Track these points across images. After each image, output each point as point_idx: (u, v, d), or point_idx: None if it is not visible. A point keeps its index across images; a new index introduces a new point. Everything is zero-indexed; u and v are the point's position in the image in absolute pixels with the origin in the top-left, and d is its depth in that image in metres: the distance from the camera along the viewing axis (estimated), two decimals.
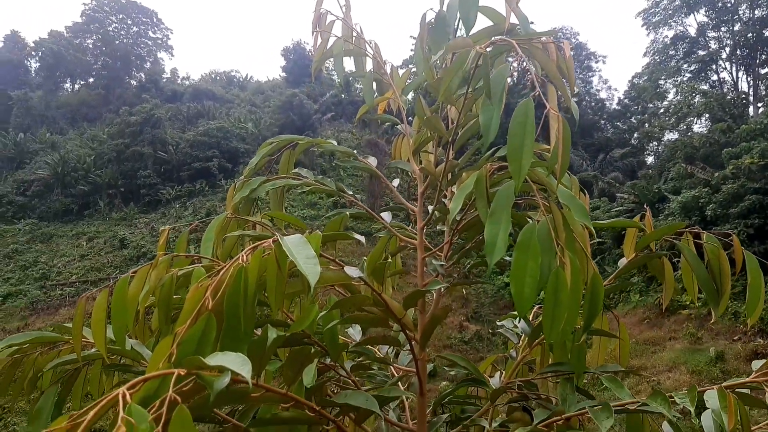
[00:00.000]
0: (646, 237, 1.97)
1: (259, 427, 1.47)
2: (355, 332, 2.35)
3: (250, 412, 1.57)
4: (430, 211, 2.14)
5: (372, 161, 2.31)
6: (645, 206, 2.34)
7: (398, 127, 2.32)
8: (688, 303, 16.83)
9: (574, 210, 1.49)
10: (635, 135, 29.56)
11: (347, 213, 1.81)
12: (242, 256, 1.24)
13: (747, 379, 1.45)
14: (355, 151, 2.30)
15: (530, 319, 2.31)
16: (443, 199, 2.14)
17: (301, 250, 1.21)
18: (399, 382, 2.37)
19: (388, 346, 2.47)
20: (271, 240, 1.27)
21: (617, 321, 2.20)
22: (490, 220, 1.43)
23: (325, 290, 2.06)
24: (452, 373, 2.61)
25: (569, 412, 1.64)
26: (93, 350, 1.83)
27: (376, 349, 2.45)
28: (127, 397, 0.93)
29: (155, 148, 30.80)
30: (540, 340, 2.04)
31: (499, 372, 2.21)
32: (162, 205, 29.96)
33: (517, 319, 2.42)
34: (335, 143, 2.31)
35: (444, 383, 12.88)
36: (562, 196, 1.49)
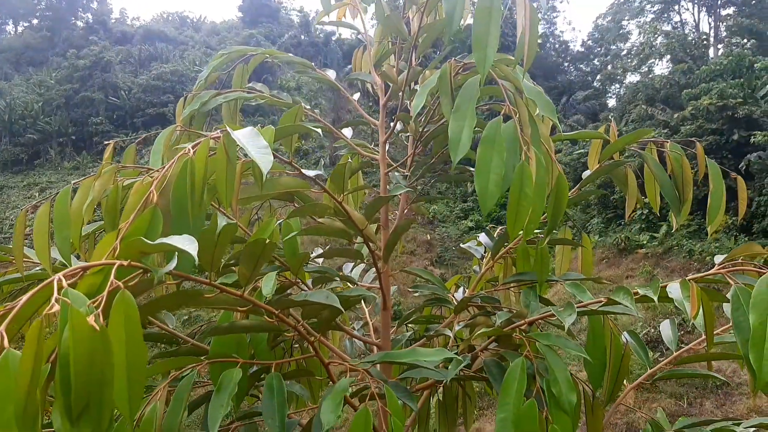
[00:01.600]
0: (610, 147, 1.95)
1: (217, 335, 1.42)
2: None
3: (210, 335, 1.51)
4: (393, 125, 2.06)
5: (331, 74, 2.20)
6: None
7: (359, 36, 2.21)
8: (645, 243, 17.37)
9: (541, 106, 1.44)
10: (598, 77, 29.66)
11: (303, 106, 1.71)
12: (188, 148, 1.15)
13: (710, 272, 1.46)
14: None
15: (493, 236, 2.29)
16: (405, 111, 2.06)
17: (252, 141, 1.13)
18: (363, 301, 2.34)
19: (350, 269, 2.43)
20: (219, 131, 1.18)
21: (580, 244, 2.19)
22: (454, 115, 1.36)
23: (284, 209, 1.99)
24: (416, 294, 2.60)
25: (532, 317, 1.63)
26: (38, 269, 1.74)
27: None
28: (63, 282, 0.86)
29: (106, 93, 29.54)
30: (503, 253, 2.02)
31: (462, 287, 2.20)
32: (116, 153, 28.81)
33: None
34: (293, 56, 2.18)
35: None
36: (528, 92, 1.43)
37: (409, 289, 2.43)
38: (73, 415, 0.78)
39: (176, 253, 1.02)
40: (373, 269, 2.12)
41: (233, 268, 1.52)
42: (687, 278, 1.40)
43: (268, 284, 1.43)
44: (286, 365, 1.73)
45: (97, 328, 0.80)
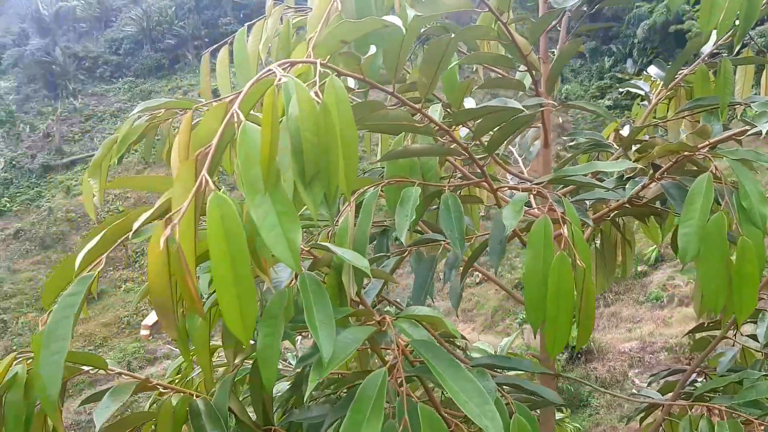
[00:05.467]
0: None
1: (391, 159, 1.48)
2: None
3: None
4: None
5: None
6: None
7: None
8: None
9: None
10: None
11: None
12: None
13: None
14: None
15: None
16: None
17: None
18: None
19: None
20: None
21: None
22: None
23: None
24: (571, 144, 2.52)
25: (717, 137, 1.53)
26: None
27: None
28: (280, 71, 0.92)
29: None
30: (677, 82, 1.87)
31: (627, 125, 2.09)
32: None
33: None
34: None
35: None
36: None
37: (563, 137, 2.36)
38: (306, 179, 0.87)
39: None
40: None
41: None
42: None
43: (436, 110, 1.45)
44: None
45: (319, 100, 0.86)
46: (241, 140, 0.83)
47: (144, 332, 15.89)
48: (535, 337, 1.49)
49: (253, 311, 0.83)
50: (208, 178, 0.84)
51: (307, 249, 1.25)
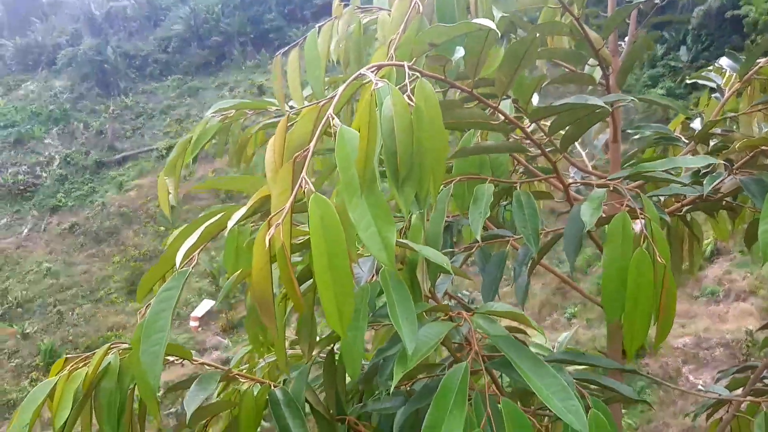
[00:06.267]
0: None
1: (461, 157, 1.50)
2: None
3: None
4: None
5: None
6: None
7: None
8: None
9: None
10: None
11: None
12: None
13: None
14: None
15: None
16: None
17: None
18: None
19: None
20: None
21: None
22: None
23: None
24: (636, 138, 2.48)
25: None
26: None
27: None
28: (371, 74, 0.95)
29: None
30: (751, 74, 1.82)
31: (697, 119, 2.04)
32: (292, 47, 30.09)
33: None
34: None
35: None
36: None
37: (629, 131, 2.32)
38: (399, 179, 0.89)
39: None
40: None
41: None
42: None
43: (506, 107, 1.46)
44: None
45: (411, 103, 0.89)
46: (339, 143, 0.87)
47: (193, 324, 16.32)
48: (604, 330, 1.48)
49: (349, 305, 0.87)
50: (307, 179, 0.88)
51: None
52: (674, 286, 1.24)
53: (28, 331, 16.71)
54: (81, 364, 1.30)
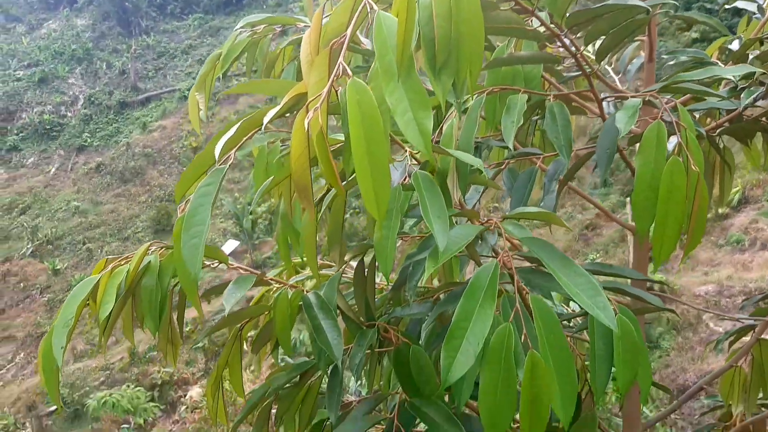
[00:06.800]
0: None
1: (494, 67, 1.48)
2: None
3: None
4: None
5: None
6: None
7: None
8: None
9: None
10: None
11: None
12: None
13: None
14: None
15: None
16: None
17: None
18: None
19: None
20: None
21: None
22: None
23: None
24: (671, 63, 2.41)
25: None
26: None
27: None
28: None
29: None
30: None
31: (736, 40, 1.98)
32: None
33: None
34: None
35: None
36: None
37: (664, 56, 2.26)
38: (436, 66, 0.89)
39: None
40: None
41: None
42: None
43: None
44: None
45: None
46: (377, 28, 0.86)
47: None
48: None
49: (386, 191, 0.89)
50: (344, 65, 0.88)
51: (414, 153, 1.29)
52: (706, 195, 1.23)
53: (58, 267, 17.27)
54: (122, 263, 1.36)
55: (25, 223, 18.94)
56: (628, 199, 11.58)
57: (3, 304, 16.37)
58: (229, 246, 13.89)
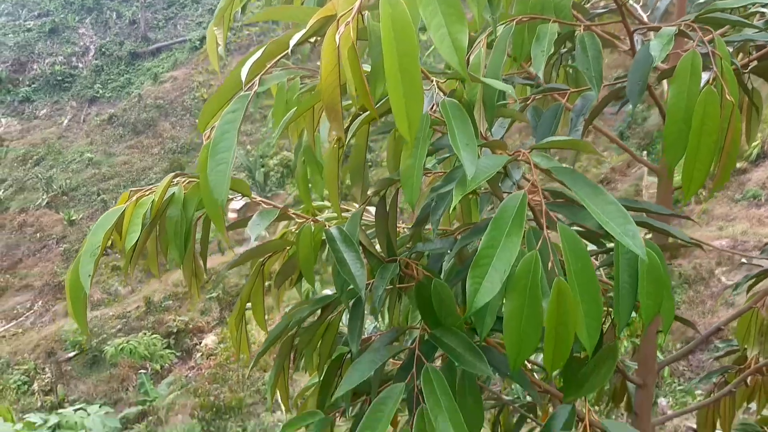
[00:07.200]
0: None
1: None
2: None
3: None
4: None
5: None
6: None
7: None
8: None
9: None
10: None
11: None
12: None
13: None
14: None
15: None
16: None
17: None
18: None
19: None
20: None
21: None
22: None
23: None
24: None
25: None
26: None
27: None
28: None
29: None
30: None
31: None
32: None
33: None
34: None
35: None
36: None
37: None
38: None
39: None
40: None
41: None
42: None
43: None
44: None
45: None
46: None
47: (232, 215, 16.82)
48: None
49: (419, 108, 0.87)
50: None
51: (442, 81, 1.27)
52: (740, 127, 1.20)
53: (74, 218, 17.48)
54: (147, 194, 1.36)
55: (39, 174, 19.08)
56: (645, 152, 11.42)
57: (20, 254, 16.67)
58: (239, 202, 13.88)
